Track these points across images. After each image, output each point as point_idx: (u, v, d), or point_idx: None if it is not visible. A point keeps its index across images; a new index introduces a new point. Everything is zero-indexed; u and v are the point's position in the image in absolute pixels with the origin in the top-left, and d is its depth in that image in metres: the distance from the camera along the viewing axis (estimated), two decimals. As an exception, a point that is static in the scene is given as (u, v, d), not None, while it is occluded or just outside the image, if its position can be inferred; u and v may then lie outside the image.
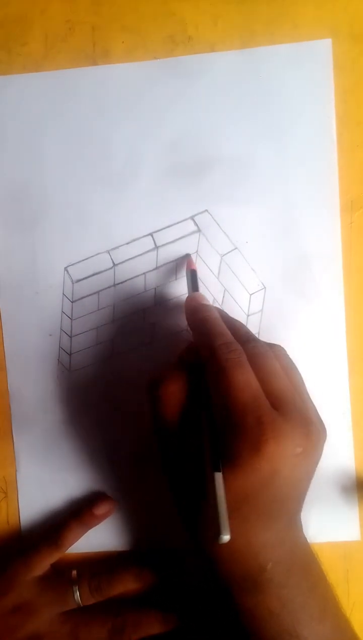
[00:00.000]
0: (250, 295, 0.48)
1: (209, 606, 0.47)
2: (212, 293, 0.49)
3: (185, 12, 0.48)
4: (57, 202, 0.49)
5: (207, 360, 0.40)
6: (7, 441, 0.50)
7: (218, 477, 0.36)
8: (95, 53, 0.49)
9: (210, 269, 0.48)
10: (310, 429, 0.38)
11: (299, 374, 0.43)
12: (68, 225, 0.49)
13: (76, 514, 0.49)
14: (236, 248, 0.48)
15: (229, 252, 0.48)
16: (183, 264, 0.48)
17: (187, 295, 0.47)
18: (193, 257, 0.49)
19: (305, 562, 0.41)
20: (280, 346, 0.43)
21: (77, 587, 0.47)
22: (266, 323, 0.48)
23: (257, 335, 0.48)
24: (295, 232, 0.48)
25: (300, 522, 0.42)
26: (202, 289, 0.48)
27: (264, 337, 0.48)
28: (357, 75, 0.48)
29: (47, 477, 0.50)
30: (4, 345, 0.50)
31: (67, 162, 0.49)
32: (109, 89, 0.49)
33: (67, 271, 0.49)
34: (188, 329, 0.45)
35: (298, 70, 0.47)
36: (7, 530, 0.51)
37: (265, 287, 0.48)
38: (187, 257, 0.49)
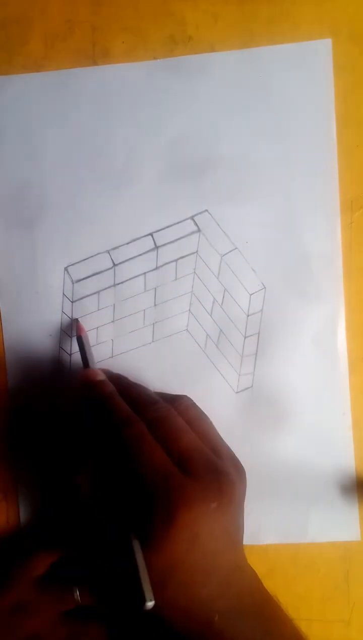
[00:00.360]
0: (250, 295, 0.48)
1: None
2: (212, 293, 0.49)
3: (185, 11, 0.48)
4: (57, 201, 0.49)
5: (109, 439, 0.41)
6: (7, 441, 0.50)
7: (136, 544, 0.37)
8: (95, 53, 0.49)
9: (210, 269, 0.48)
10: (221, 480, 0.39)
11: (208, 422, 0.44)
12: (68, 225, 0.49)
13: (76, 514, 0.49)
14: (236, 248, 0.48)
15: (229, 252, 0.48)
16: (183, 264, 0.49)
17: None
18: (193, 257, 0.49)
19: (257, 605, 0.41)
20: (184, 397, 0.44)
21: (76, 587, 0.47)
22: (266, 323, 0.48)
23: (257, 337, 0.48)
24: (296, 232, 0.48)
25: (246, 563, 0.42)
26: (201, 289, 0.48)
27: (264, 337, 0.48)
28: (357, 75, 0.48)
29: (47, 478, 0.50)
30: (4, 345, 0.50)
31: (67, 162, 0.49)
32: (109, 89, 0.49)
33: (67, 271, 0.49)
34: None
35: (299, 70, 0.47)
36: (7, 530, 0.51)
37: (265, 287, 0.48)
38: (75, 322, 0.49)
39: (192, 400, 0.44)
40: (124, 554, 0.38)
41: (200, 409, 0.44)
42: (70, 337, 0.49)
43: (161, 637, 0.42)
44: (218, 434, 0.44)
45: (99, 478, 0.42)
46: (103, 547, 0.42)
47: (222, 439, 0.43)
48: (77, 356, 0.49)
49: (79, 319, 0.49)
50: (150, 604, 0.34)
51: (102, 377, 0.45)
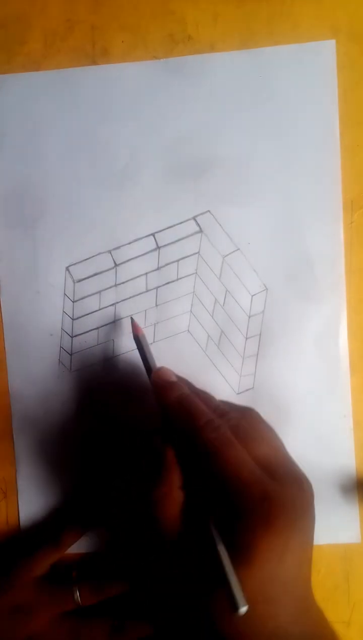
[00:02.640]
0: (252, 296, 0.48)
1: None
2: (214, 294, 0.49)
3: (185, 11, 0.48)
4: (58, 201, 0.49)
5: (193, 442, 0.38)
6: (7, 441, 0.50)
7: (222, 549, 0.36)
8: (95, 52, 0.49)
9: (212, 270, 0.48)
10: (304, 487, 0.38)
11: (276, 433, 0.42)
12: (69, 225, 0.49)
13: (76, 514, 0.49)
14: (238, 249, 0.48)
15: (231, 253, 0.48)
16: (185, 265, 0.49)
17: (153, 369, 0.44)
18: (195, 257, 0.49)
19: (328, 633, 0.40)
20: (251, 409, 0.42)
21: (76, 588, 0.47)
22: (267, 324, 0.48)
23: (258, 338, 0.48)
24: (298, 233, 0.48)
25: (312, 589, 0.40)
26: (203, 290, 0.48)
27: (266, 338, 0.48)
28: (358, 75, 0.48)
29: (47, 477, 0.50)
30: (5, 345, 0.50)
31: (67, 162, 0.49)
32: (109, 89, 0.49)
33: (69, 271, 0.49)
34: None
35: (302, 71, 0.47)
36: (7, 530, 0.51)
37: (267, 288, 0.48)
38: (132, 321, 0.48)
39: (258, 413, 0.42)
40: (209, 562, 0.36)
41: (266, 422, 0.42)
42: (71, 337, 0.49)
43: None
44: (284, 445, 0.42)
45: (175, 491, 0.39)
46: (180, 555, 0.39)
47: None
48: (78, 356, 0.50)
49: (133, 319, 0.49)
50: (243, 609, 0.33)
51: (174, 378, 0.43)
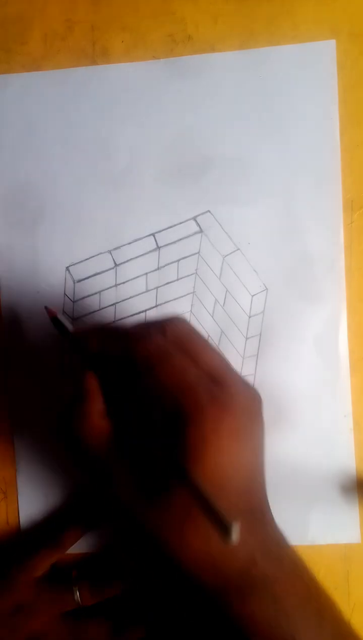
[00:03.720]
0: (252, 296, 0.48)
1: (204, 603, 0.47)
2: (214, 294, 0.49)
3: (185, 11, 0.48)
4: (58, 202, 0.49)
5: (129, 361, 0.37)
6: (7, 441, 0.50)
7: (195, 475, 0.34)
8: (95, 52, 0.49)
9: (212, 270, 0.48)
10: (251, 392, 0.38)
11: (211, 344, 0.41)
12: (69, 225, 0.49)
13: (76, 514, 0.49)
14: (238, 249, 0.48)
15: (231, 253, 0.48)
16: (185, 265, 0.49)
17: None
18: (195, 257, 0.49)
19: (292, 556, 0.38)
20: (178, 318, 0.40)
21: (77, 588, 0.47)
22: (268, 324, 0.48)
23: (258, 338, 0.48)
24: (298, 233, 0.48)
25: (271, 512, 0.39)
26: (203, 290, 0.48)
27: (266, 339, 0.48)
28: (358, 75, 0.48)
29: (47, 477, 0.50)
30: (5, 344, 0.50)
31: (67, 162, 0.49)
32: (109, 89, 0.49)
33: (69, 271, 0.49)
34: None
35: (302, 71, 0.47)
36: (7, 530, 0.51)
37: (267, 289, 0.48)
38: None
39: (188, 322, 0.41)
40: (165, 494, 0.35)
41: (201, 333, 0.40)
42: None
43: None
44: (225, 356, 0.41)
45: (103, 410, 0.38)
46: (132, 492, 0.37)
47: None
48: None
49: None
50: (235, 531, 0.30)
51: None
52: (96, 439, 0.37)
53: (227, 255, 0.48)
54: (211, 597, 0.36)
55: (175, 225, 0.48)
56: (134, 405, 0.37)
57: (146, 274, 0.49)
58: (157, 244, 0.48)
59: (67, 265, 0.49)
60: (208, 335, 0.49)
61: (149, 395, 0.36)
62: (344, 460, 0.48)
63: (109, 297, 0.49)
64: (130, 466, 0.37)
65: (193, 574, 0.35)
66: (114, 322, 0.49)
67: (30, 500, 0.50)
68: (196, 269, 0.49)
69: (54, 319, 0.43)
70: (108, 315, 0.49)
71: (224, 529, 0.30)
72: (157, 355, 0.36)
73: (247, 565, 0.35)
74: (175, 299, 0.49)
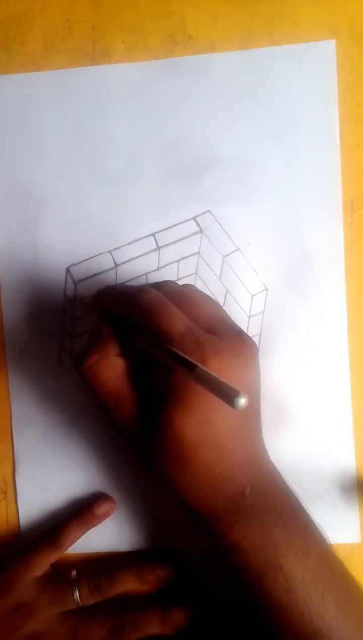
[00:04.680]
0: (252, 296, 0.48)
1: (209, 606, 0.47)
2: (214, 294, 0.49)
3: (185, 11, 0.48)
4: (58, 202, 0.49)
5: (130, 311, 0.40)
6: (7, 441, 0.50)
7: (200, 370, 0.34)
8: (95, 52, 0.49)
9: (212, 270, 0.48)
10: (243, 338, 0.40)
11: (217, 303, 0.45)
12: (70, 225, 0.49)
13: (76, 514, 0.49)
14: (238, 249, 0.48)
15: (231, 253, 0.48)
16: (185, 265, 0.49)
17: None
18: (195, 258, 0.49)
19: (282, 487, 0.42)
20: (190, 284, 0.46)
21: (76, 587, 0.47)
22: (268, 324, 0.48)
23: (259, 338, 0.48)
24: (298, 232, 0.48)
25: (265, 448, 0.43)
26: (203, 290, 0.48)
27: (266, 339, 0.48)
28: (358, 75, 0.48)
29: (46, 477, 0.50)
30: (5, 344, 0.50)
31: (67, 162, 0.49)
32: (109, 89, 0.49)
33: (69, 271, 0.49)
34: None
35: (302, 71, 0.47)
36: (7, 530, 0.51)
37: (267, 289, 0.48)
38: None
39: (196, 287, 0.45)
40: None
41: (206, 294, 0.45)
42: (71, 337, 0.49)
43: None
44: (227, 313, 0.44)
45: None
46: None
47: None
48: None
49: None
50: (242, 399, 0.30)
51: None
52: (112, 374, 0.41)
53: (227, 255, 0.48)
54: (203, 526, 0.40)
55: (175, 225, 0.48)
56: (140, 347, 0.40)
57: (146, 274, 0.49)
58: (157, 244, 0.48)
59: (68, 265, 0.49)
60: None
61: (149, 338, 0.39)
62: (344, 461, 0.48)
63: (109, 297, 0.49)
64: (138, 398, 0.41)
65: (187, 501, 0.40)
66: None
67: (30, 500, 0.50)
68: (196, 269, 0.49)
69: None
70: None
71: (231, 397, 0.31)
72: (149, 304, 0.39)
73: (236, 497, 0.39)
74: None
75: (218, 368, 0.36)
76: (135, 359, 0.42)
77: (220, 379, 0.32)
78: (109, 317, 0.42)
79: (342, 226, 0.48)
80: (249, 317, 0.48)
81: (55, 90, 0.49)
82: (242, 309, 0.48)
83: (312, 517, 0.42)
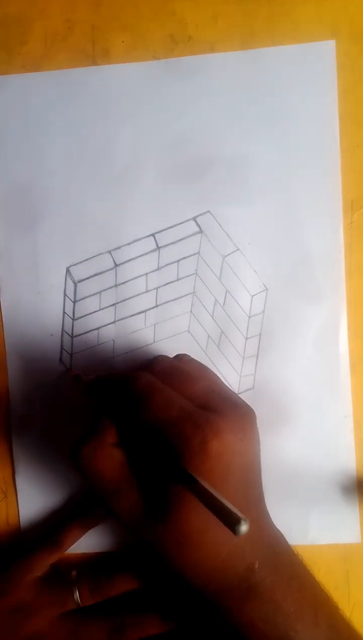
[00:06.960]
0: (252, 296, 0.48)
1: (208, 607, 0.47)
2: (214, 294, 0.49)
3: (185, 11, 0.48)
4: (58, 202, 0.49)
5: (122, 400, 0.40)
6: (6, 441, 0.50)
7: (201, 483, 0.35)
8: (95, 52, 0.49)
9: (212, 270, 0.48)
10: (242, 411, 0.40)
11: (212, 372, 0.45)
12: (70, 225, 0.49)
13: (76, 514, 0.49)
14: (238, 249, 0.48)
15: (231, 253, 0.48)
16: (185, 265, 0.49)
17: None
18: (195, 258, 0.49)
19: (288, 557, 0.41)
20: (183, 354, 0.46)
21: (76, 588, 0.47)
22: (267, 324, 0.48)
23: (258, 338, 0.48)
24: (298, 233, 0.48)
25: (269, 515, 0.42)
26: (203, 290, 0.48)
27: (266, 339, 0.48)
28: (357, 75, 0.48)
29: (46, 478, 0.50)
30: (5, 345, 0.50)
31: (67, 162, 0.49)
32: (109, 89, 0.49)
33: (69, 271, 0.49)
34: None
35: (302, 71, 0.47)
36: (7, 530, 0.51)
37: (267, 289, 0.48)
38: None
39: (190, 356, 0.46)
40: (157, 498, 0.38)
41: (201, 363, 0.45)
42: (72, 337, 0.49)
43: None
44: (223, 383, 0.44)
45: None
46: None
47: (227, 387, 0.44)
48: (78, 356, 0.50)
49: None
50: (244, 526, 0.30)
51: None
52: (109, 464, 0.40)
53: (227, 255, 0.48)
54: (212, 602, 0.39)
55: (175, 225, 0.48)
56: (139, 435, 0.40)
57: (146, 274, 0.49)
58: (157, 244, 0.48)
59: (67, 265, 0.49)
60: (209, 336, 0.49)
61: (147, 425, 0.39)
62: (344, 461, 0.48)
63: (109, 298, 0.49)
64: (139, 486, 0.40)
65: (195, 583, 0.39)
66: (113, 357, 0.50)
67: (30, 500, 0.50)
68: (196, 269, 0.49)
69: (76, 376, 0.47)
70: (108, 315, 0.49)
71: (233, 524, 0.31)
72: (144, 391, 0.39)
73: (246, 573, 0.38)
74: (175, 299, 0.49)
75: (220, 450, 0.37)
76: (136, 445, 0.41)
77: (225, 502, 0.32)
78: (107, 404, 0.42)
79: (342, 226, 0.48)
80: (249, 317, 0.48)
81: (55, 90, 0.49)
82: (242, 309, 0.48)
83: (317, 580, 0.41)
